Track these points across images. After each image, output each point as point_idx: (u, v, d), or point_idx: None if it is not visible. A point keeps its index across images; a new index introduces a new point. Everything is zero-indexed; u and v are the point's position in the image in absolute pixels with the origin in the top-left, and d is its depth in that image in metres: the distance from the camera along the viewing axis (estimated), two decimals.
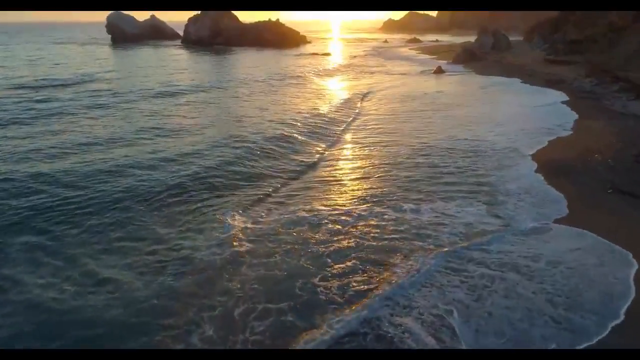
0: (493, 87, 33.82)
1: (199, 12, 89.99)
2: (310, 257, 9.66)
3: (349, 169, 15.54)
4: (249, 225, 11.06)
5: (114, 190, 12.76)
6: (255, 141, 18.08)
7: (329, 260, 9.50)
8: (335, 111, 24.56)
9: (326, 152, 17.63)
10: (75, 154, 16.05)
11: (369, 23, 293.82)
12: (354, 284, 8.71)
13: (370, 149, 17.88)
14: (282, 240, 10.36)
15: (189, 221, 11.19)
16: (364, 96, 30.30)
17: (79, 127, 19.87)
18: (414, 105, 26.67)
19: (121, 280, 8.68)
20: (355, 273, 9.06)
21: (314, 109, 25.17)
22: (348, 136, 20.17)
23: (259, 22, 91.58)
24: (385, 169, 15.27)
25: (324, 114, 23.79)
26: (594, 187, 13.22)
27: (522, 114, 23.37)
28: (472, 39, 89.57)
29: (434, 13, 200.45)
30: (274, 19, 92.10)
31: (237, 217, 11.48)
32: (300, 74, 42.49)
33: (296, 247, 10.05)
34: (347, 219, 11.46)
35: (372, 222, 11.23)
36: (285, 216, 11.61)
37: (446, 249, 9.87)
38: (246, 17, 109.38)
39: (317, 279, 8.86)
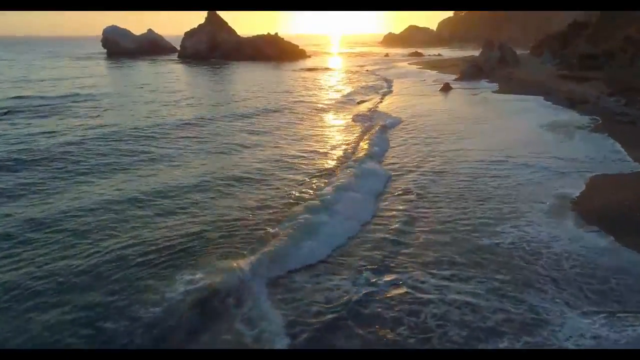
0: (511, 106, 30.94)
1: (195, 26, 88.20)
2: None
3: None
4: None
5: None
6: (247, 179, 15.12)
7: None
8: (329, 154, 19.20)
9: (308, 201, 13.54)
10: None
11: (370, 37, 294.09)
12: None
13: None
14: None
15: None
16: (365, 121, 26.62)
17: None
18: (423, 133, 23.65)
19: None
20: None
21: (305, 146, 20.42)
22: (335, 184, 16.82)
23: (257, 36, 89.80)
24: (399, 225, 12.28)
25: (311, 158, 19.06)
26: None
27: (553, 142, 20.33)
28: (474, 52, 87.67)
29: (434, 26, 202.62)
30: (272, 33, 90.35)
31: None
32: (297, 90, 39.92)
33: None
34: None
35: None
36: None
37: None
38: (244, 30, 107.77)
39: None
